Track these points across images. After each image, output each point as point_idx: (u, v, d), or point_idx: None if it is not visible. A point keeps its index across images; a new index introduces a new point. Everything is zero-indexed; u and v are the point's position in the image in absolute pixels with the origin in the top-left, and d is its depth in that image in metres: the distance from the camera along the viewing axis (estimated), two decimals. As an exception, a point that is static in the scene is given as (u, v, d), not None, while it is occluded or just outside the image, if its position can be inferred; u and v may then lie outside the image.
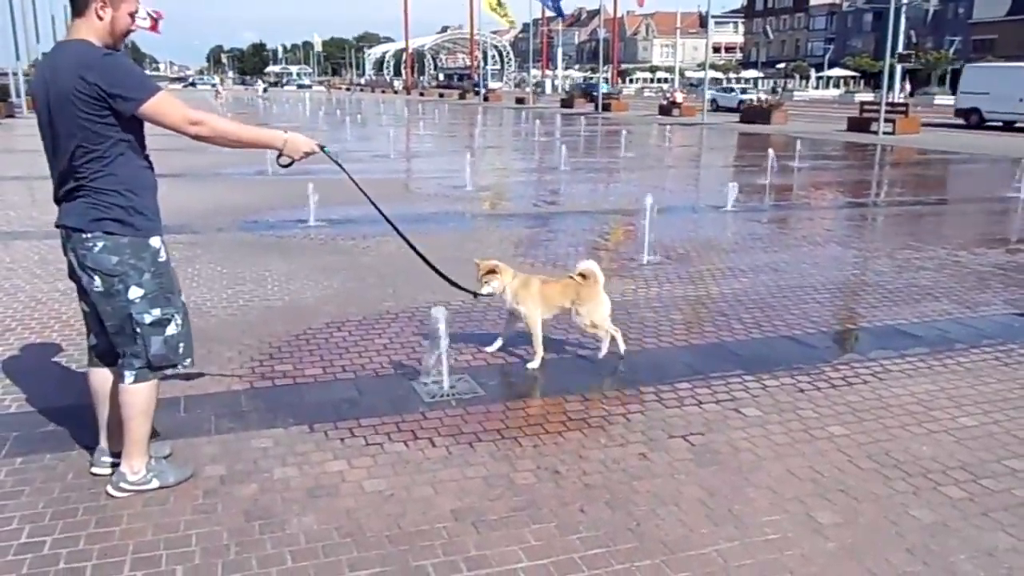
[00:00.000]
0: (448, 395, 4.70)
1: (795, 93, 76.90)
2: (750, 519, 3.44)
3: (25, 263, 7.98)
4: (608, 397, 4.72)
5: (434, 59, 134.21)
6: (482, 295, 5.12)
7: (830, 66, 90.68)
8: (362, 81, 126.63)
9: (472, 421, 4.36)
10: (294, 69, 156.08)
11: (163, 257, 3.48)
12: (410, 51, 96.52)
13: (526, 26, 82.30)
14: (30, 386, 4.79)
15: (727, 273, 7.98)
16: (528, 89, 63.38)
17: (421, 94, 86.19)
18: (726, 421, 4.41)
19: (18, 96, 37.05)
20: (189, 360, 3.57)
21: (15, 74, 37.61)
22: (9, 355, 5.35)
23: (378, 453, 3.97)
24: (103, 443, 3.70)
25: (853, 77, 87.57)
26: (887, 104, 28.48)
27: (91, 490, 3.60)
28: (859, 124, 29.41)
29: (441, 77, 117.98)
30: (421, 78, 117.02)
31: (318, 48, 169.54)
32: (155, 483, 3.57)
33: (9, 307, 6.49)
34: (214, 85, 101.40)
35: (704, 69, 43.47)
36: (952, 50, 72.88)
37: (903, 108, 29.85)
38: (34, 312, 6.34)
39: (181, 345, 3.50)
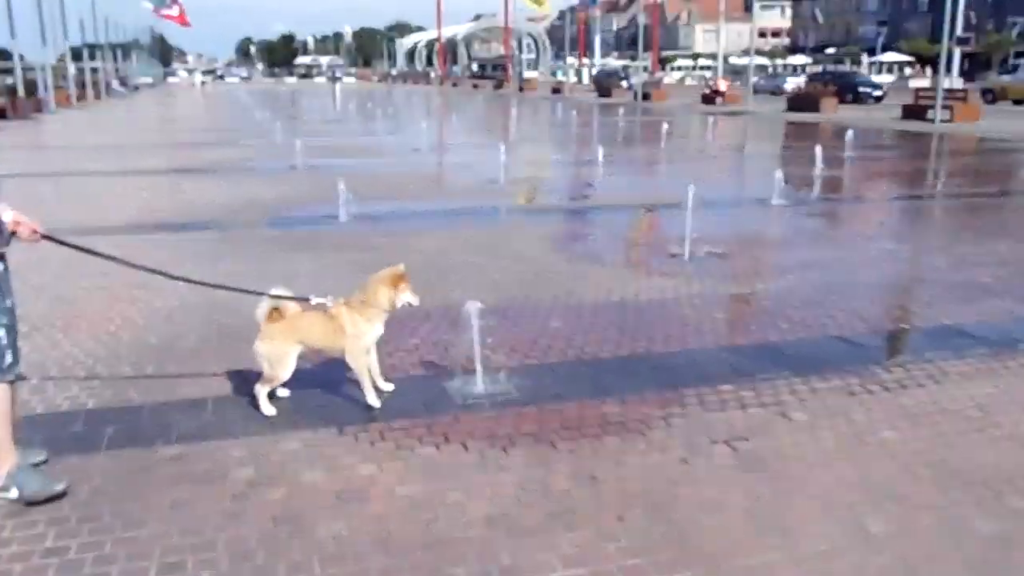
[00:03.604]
0: (482, 396, 4.69)
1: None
2: (797, 529, 3.39)
3: (49, 262, 8.15)
4: (647, 400, 4.68)
5: (468, 48, 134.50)
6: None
7: (883, 50, 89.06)
8: (394, 72, 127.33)
9: (506, 424, 4.35)
10: (324, 60, 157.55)
11: None
12: (443, 40, 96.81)
13: (562, 13, 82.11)
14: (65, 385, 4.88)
15: (773, 269, 7.88)
16: (563, 77, 63.25)
17: (454, 84, 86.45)
18: (772, 426, 4.34)
19: (45, 90, 37.86)
20: (14, 373, 3.50)
21: (43, 68, 38.43)
22: (35, 355, 5.46)
23: (409, 457, 3.98)
24: None
25: (908, 62, 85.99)
26: (944, 90, 27.89)
27: (117, 492, 3.65)
28: (914, 111, 28.84)
29: (475, 67, 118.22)
30: (454, 68, 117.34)
31: (348, 39, 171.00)
32: (14, 493, 3.53)
33: (36, 306, 6.63)
34: (213, 75, 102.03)
35: (749, 55, 42.95)
36: (1016, 33, 71.09)
37: (962, 94, 29.22)
38: (56, 310, 6.47)
39: (8, 353, 3.46)
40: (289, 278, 7.41)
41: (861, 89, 41.28)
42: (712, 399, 4.68)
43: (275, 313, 4.44)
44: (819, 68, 60.22)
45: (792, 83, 47.77)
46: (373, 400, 4.53)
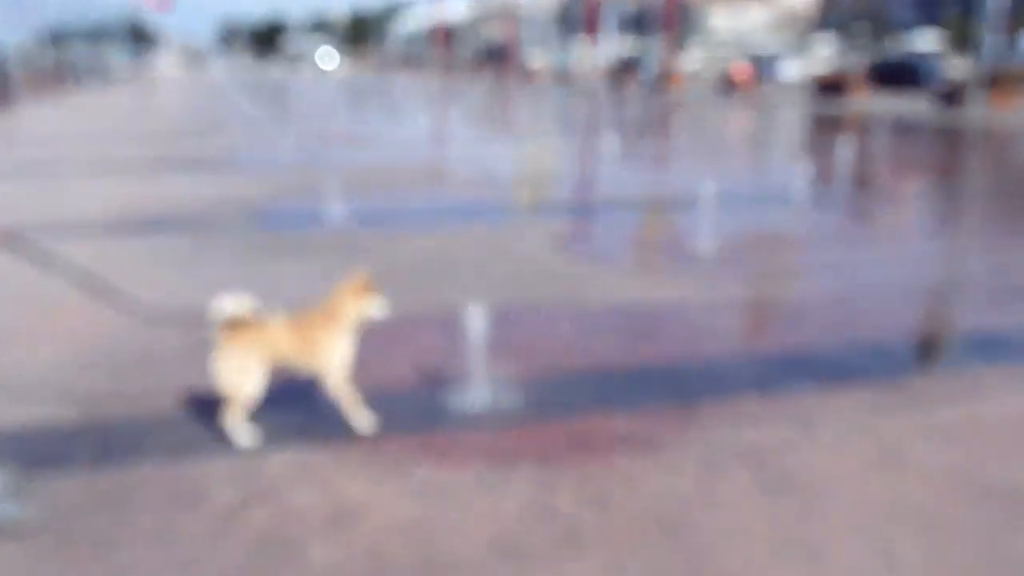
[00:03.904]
0: (482, 410, 4.70)
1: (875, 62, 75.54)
2: (824, 554, 3.39)
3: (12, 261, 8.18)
4: (661, 414, 4.68)
5: (468, 33, 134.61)
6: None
7: (916, 31, 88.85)
8: (390, 58, 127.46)
9: (509, 440, 4.36)
10: (314, 46, 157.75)
11: None
12: (442, 24, 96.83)
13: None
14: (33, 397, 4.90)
15: (798, 270, 7.88)
16: (569, 64, 63.25)
17: (455, 71, 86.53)
18: (796, 442, 4.35)
19: (13, 79, 37.93)
20: None
21: (11, 55, 38.51)
22: (12, 365, 5.48)
23: (404, 476, 3.99)
24: None
25: (943, 44, 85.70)
26: (983, 73, 27.84)
27: (90, 514, 3.67)
28: (950, 97, 28.81)
29: (477, 53, 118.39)
30: (454, 53, 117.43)
31: (340, 23, 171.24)
32: None
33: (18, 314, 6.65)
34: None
35: (770, 37, 42.92)
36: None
37: (1003, 78, 29.12)
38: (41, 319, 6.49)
39: None
40: (274, 284, 7.47)
41: (922, 74, 37.44)
42: (731, 413, 4.69)
43: (235, 324, 4.24)
44: (851, 49, 59.24)
45: (796, 67, 46.71)
46: (363, 424, 4.45)
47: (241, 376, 4.25)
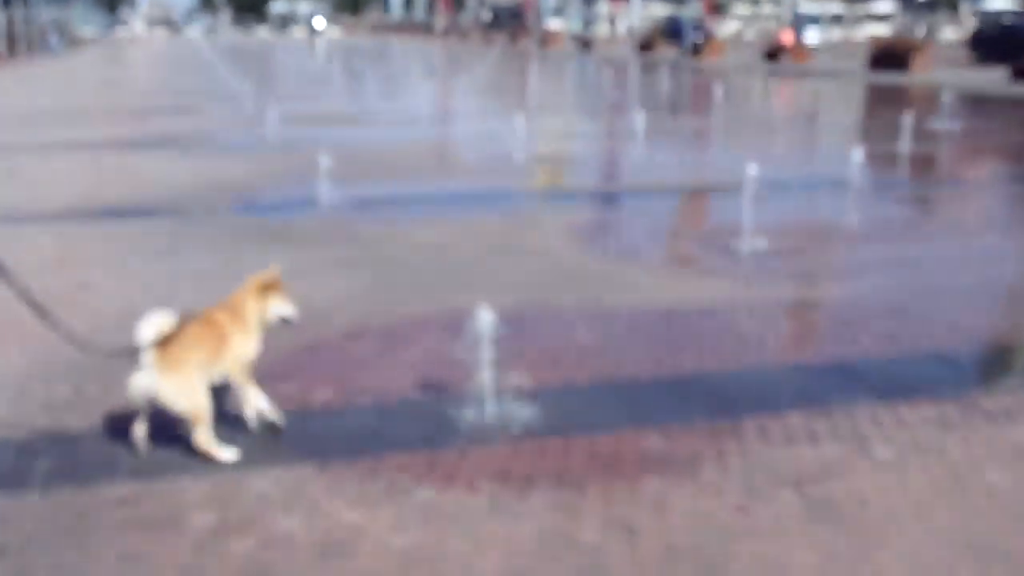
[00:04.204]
0: (493, 426, 4.69)
1: (944, 32, 75.13)
2: (881, 595, 3.37)
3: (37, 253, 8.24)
4: (696, 431, 4.67)
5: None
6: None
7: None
8: (388, 22, 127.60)
9: (524, 460, 4.35)
10: (303, 8, 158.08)
11: None
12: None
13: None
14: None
15: (852, 269, 7.84)
16: (593, 28, 63.16)
17: (462, 37, 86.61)
18: (850, 465, 4.32)
19: None
20: None
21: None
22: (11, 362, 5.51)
23: (405, 500, 3.99)
24: None
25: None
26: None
27: (50, 540, 3.68)
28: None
29: (486, 16, 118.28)
30: (461, 16, 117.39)
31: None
32: None
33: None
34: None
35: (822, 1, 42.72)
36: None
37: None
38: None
39: None
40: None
41: None
42: (776, 431, 4.67)
43: (162, 340, 4.18)
44: (902, 16, 58.47)
45: (819, 33, 45.79)
46: (277, 419, 4.57)
47: (192, 393, 4.25)
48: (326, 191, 10.40)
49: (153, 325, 4.18)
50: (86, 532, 3.76)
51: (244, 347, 4.51)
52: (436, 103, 24.67)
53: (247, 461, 4.32)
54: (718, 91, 21.66)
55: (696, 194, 11.70)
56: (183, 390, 4.23)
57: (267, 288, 4.58)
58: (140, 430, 4.39)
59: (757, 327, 6.31)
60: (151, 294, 6.96)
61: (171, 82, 32.72)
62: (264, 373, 5.40)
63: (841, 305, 6.85)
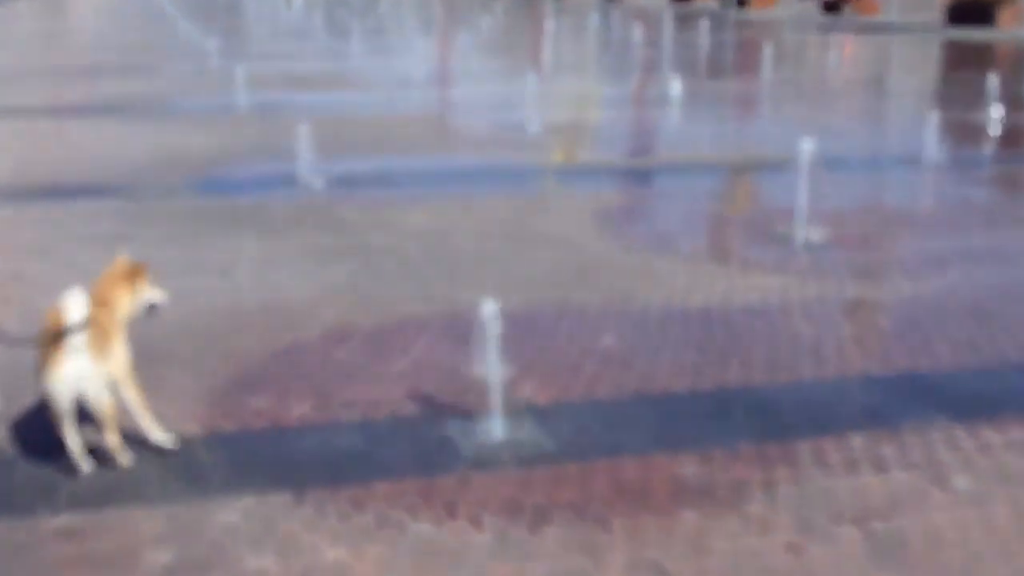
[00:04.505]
0: (501, 448, 4.70)
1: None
2: (959, 652, 3.36)
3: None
4: (741, 456, 4.66)
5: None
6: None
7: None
8: None
9: (536, 489, 4.35)
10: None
11: None
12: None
13: None
14: None
15: (926, 263, 7.82)
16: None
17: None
18: (923, 496, 4.31)
19: None
20: None
21: None
22: None
23: (396, 536, 4.00)
24: None
25: None
26: None
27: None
28: None
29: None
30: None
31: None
32: None
33: None
34: None
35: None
36: None
37: None
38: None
39: None
40: (228, 269, 7.51)
41: None
42: (835, 456, 4.66)
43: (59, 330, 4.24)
44: None
45: None
46: (162, 438, 4.60)
47: (102, 386, 4.36)
48: (304, 167, 10.40)
49: (80, 303, 4.20)
50: (23, 570, 3.77)
51: (123, 346, 4.60)
52: (434, 63, 24.67)
53: (210, 488, 4.34)
54: (767, 49, 21.59)
55: (741, 172, 11.67)
56: (95, 383, 4.32)
57: (136, 275, 4.76)
58: (75, 440, 4.41)
59: (813, 332, 6.30)
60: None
61: (121, 36, 32.75)
62: (232, 382, 5.44)
63: (913, 306, 6.83)
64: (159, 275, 7.28)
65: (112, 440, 4.42)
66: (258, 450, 4.71)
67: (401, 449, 4.73)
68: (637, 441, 4.83)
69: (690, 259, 7.90)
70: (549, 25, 32.13)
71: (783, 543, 3.96)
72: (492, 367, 4.72)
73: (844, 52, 26.04)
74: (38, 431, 4.82)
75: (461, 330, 6.12)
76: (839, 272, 7.53)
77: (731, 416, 5.12)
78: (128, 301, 4.72)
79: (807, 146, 8.38)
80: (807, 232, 8.28)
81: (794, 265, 7.71)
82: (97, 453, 4.47)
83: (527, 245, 8.23)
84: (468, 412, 4.94)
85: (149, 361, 5.65)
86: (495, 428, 4.80)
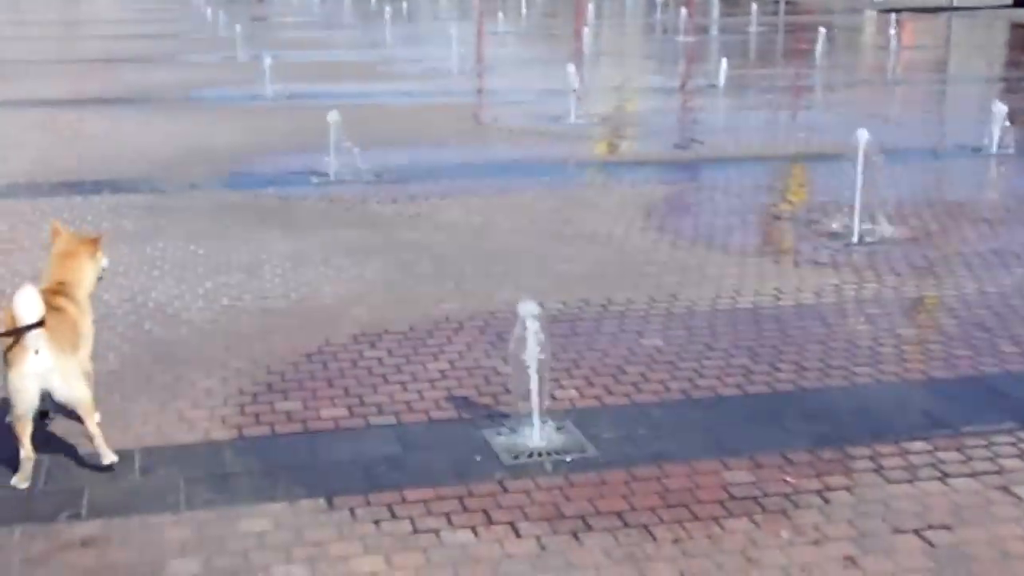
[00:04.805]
0: (541, 453, 4.70)
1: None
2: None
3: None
4: (795, 463, 4.64)
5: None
6: None
7: None
8: None
9: (578, 496, 4.34)
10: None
11: None
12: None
13: None
14: None
15: (991, 259, 7.76)
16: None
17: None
18: (989, 507, 4.27)
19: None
20: None
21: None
22: None
23: (432, 545, 4.00)
24: None
25: None
26: None
27: (5, 591, 3.75)
28: None
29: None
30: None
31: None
32: None
33: None
34: None
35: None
36: None
37: None
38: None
39: None
40: (255, 267, 7.55)
41: None
42: (895, 464, 4.62)
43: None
44: None
45: None
46: (110, 455, 4.54)
47: (82, 377, 4.46)
48: (334, 160, 10.45)
49: (35, 299, 4.21)
50: (44, 580, 3.81)
51: (90, 333, 4.69)
52: (470, 50, 24.68)
53: (238, 495, 4.37)
54: (820, 32, 21.47)
55: (794, 164, 11.60)
56: (80, 375, 4.44)
57: (95, 246, 4.87)
58: (30, 449, 4.42)
59: (870, 332, 6.26)
60: (117, 287, 7.04)
61: (144, 24, 33.04)
62: (261, 385, 5.48)
63: (977, 306, 6.77)
64: (186, 273, 7.39)
65: (94, 433, 4.46)
66: (288, 455, 4.73)
67: (436, 454, 4.74)
68: (684, 447, 4.81)
69: (740, 255, 7.86)
70: (590, 9, 32.06)
71: (839, 555, 3.93)
72: (532, 370, 4.71)
73: (902, 35, 25.81)
74: (58, 437, 4.88)
75: (499, 330, 6.16)
76: (898, 269, 7.48)
77: (783, 421, 5.09)
78: (92, 275, 4.83)
79: (862, 136, 8.32)
80: (864, 227, 8.23)
81: (850, 261, 7.66)
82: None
83: (568, 241, 8.22)
84: (506, 416, 4.94)
85: (174, 363, 5.75)
86: (534, 433, 4.79)
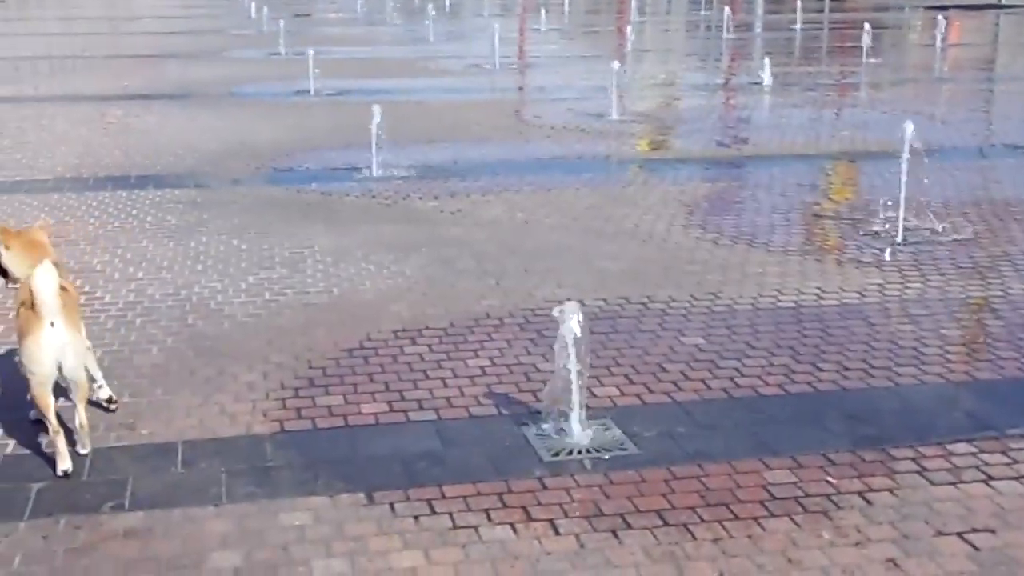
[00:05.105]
0: (582, 451, 4.70)
1: None
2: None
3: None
4: (836, 463, 4.60)
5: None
6: None
7: None
8: None
9: (618, 494, 4.33)
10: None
11: None
12: None
13: None
14: None
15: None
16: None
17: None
18: (1034, 510, 4.24)
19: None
20: None
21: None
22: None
23: (471, 541, 4.01)
24: None
25: None
26: None
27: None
28: None
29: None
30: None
31: None
32: None
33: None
34: None
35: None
36: None
37: None
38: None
39: None
40: (294, 262, 7.60)
41: None
42: (939, 465, 4.57)
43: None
44: None
45: None
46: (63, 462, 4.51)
47: (86, 357, 4.64)
48: (376, 156, 10.49)
49: (54, 274, 4.35)
50: (86, 570, 3.84)
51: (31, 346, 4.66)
52: (512, 47, 24.69)
53: (279, 488, 4.39)
54: (865, 29, 21.29)
55: (838, 161, 11.52)
56: (85, 356, 4.63)
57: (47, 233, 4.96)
58: (56, 423, 4.47)
59: (914, 332, 6.20)
60: (161, 281, 7.12)
61: (189, 20, 33.29)
62: (302, 379, 5.51)
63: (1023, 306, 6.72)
64: (229, 268, 7.45)
65: (84, 420, 4.55)
66: (329, 450, 4.76)
67: (476, 450, 4.75)
68: (724, 446, 4.79)
69: (782, 254, 7.82)
70: (632, 4, 31.96)
71: (881, 558, 3.90)
72: (572, 367, 4.70)
73: (949, 32, 25.56)
74: (102, 429, 4.94)
75: (539, 327, 6.16)
76: (943, 269, 7.41)
77: (825, 421, 5.06)
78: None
79: (908, 132, 8.26)
80: (908, 225, 8.16)
81: (894, 260, 7.60)
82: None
83: (609, 238, 8.21)
84: (546, 413, 4.93)
85: (216, 357, 5.80)
86: (575, 430, 4.79)
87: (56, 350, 4.37)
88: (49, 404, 4.45)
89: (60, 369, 4.43)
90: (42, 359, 4.37)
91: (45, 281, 4.31)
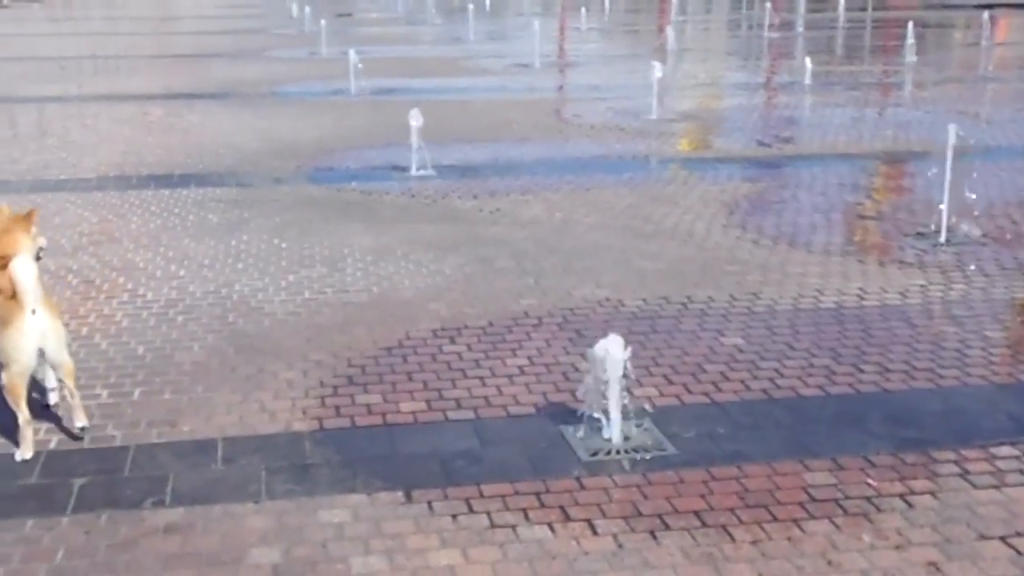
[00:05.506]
0: (620, 451, 4.69)
1: None
2: None
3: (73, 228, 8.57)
4: (877, 466, 4.58)
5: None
6: None
7: None
8: None
9: (656, 495, 4.33)
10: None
11: None
12: None
13: None
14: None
15: (1084, 261, 7.60)
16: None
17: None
18: (1078, 514, 4.19)
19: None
20: None
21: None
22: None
23: (509, 540, 4.02)
24: None
25: None
26: None
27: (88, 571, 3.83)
28: None
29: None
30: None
31: None
32: None
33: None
34: None
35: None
36: None
37: None
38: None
39: None
40: (334, 260, 7.64)
41: None
42: (981, 469, 4.54)
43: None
44: None
45: None
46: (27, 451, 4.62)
47: (62, 342, 4.67)
48: (416, 155, 10.52)
49: (32, 265, 4.47)
50: (126, 566, 3.88)
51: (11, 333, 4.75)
52: (553, 46, 24.69)
53: (318, 486, 4.42)
54: (909, 27, 21.12)
55: (881, 162, 11.44)
56: (66, 340, 4.71)
57: (29, 220, 4.98)
58: (27, 413, 4.58)
59: (957, 334, 6.16)
60: (202, 279, 7.17)
61: (231, 20, 33.52)
62: (341, 377, 5.54)
63: (1069, 307, 6.65)
64: (269, 266, 7.50)
65: (73, 390, 4.66)
66: (367, 448, 4.78)
67: (514, 450, 4.75)
68: (764, 447, 4.77)
69: (823, 254, 7.77)
70: (673, 3, 31.85)
71: (922, 561, 3.87)
72: (610, 367, 4.69)
73: (995, 31, 25.29)
74: (145, 426, 4.98)
75: (578, 327, 6.16)
76: (987, 270, 7.35)
77: (866, 423, 5.02)
78: (30, 250, 4.88)
79: (952, 133, 8.19)
80: (952, 226, 8.09)
81: (937, 261, 7.54)
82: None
83: (648, 238, 8.20)
84: (585, 413, 4.93)
85: (255, 354, 5.84)
86: (613, 431, 4.78)
87: (39, 335, 4.49)
88: (22, 394, 4.55)
89: (43, 354, 4.54)
90: (25, 346, 4.49)
91: (24, 269, 4.42)
